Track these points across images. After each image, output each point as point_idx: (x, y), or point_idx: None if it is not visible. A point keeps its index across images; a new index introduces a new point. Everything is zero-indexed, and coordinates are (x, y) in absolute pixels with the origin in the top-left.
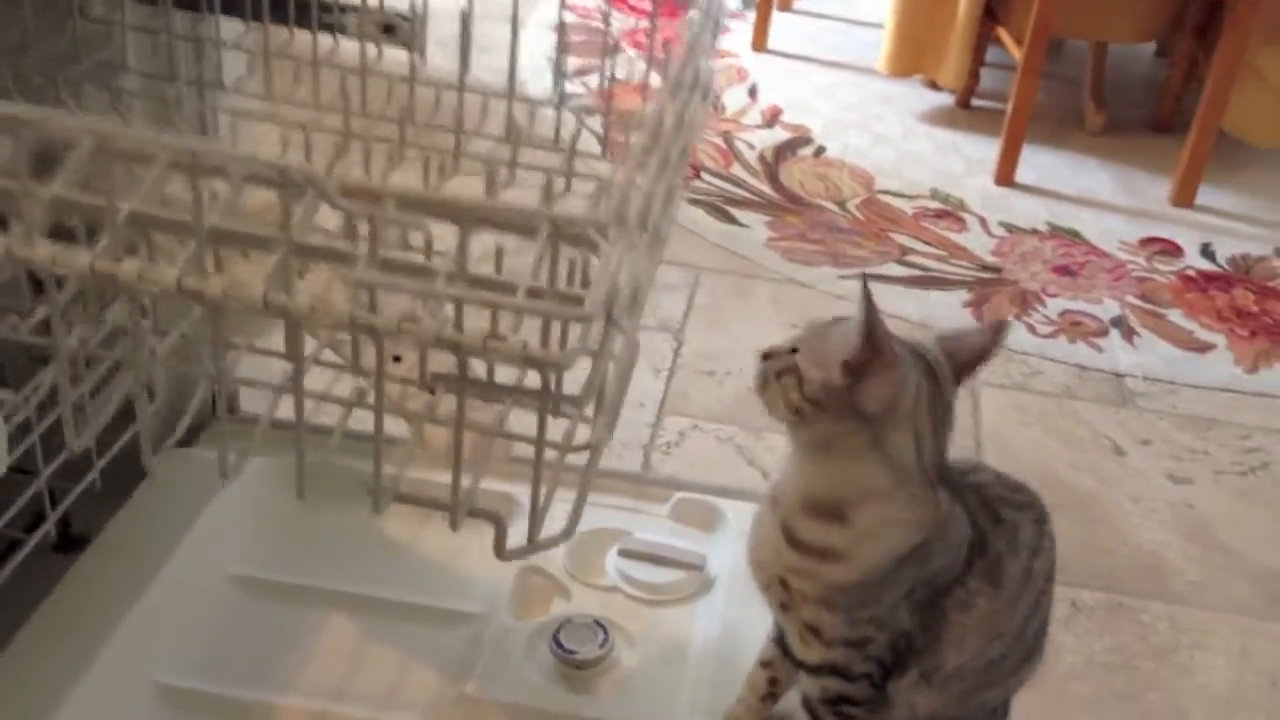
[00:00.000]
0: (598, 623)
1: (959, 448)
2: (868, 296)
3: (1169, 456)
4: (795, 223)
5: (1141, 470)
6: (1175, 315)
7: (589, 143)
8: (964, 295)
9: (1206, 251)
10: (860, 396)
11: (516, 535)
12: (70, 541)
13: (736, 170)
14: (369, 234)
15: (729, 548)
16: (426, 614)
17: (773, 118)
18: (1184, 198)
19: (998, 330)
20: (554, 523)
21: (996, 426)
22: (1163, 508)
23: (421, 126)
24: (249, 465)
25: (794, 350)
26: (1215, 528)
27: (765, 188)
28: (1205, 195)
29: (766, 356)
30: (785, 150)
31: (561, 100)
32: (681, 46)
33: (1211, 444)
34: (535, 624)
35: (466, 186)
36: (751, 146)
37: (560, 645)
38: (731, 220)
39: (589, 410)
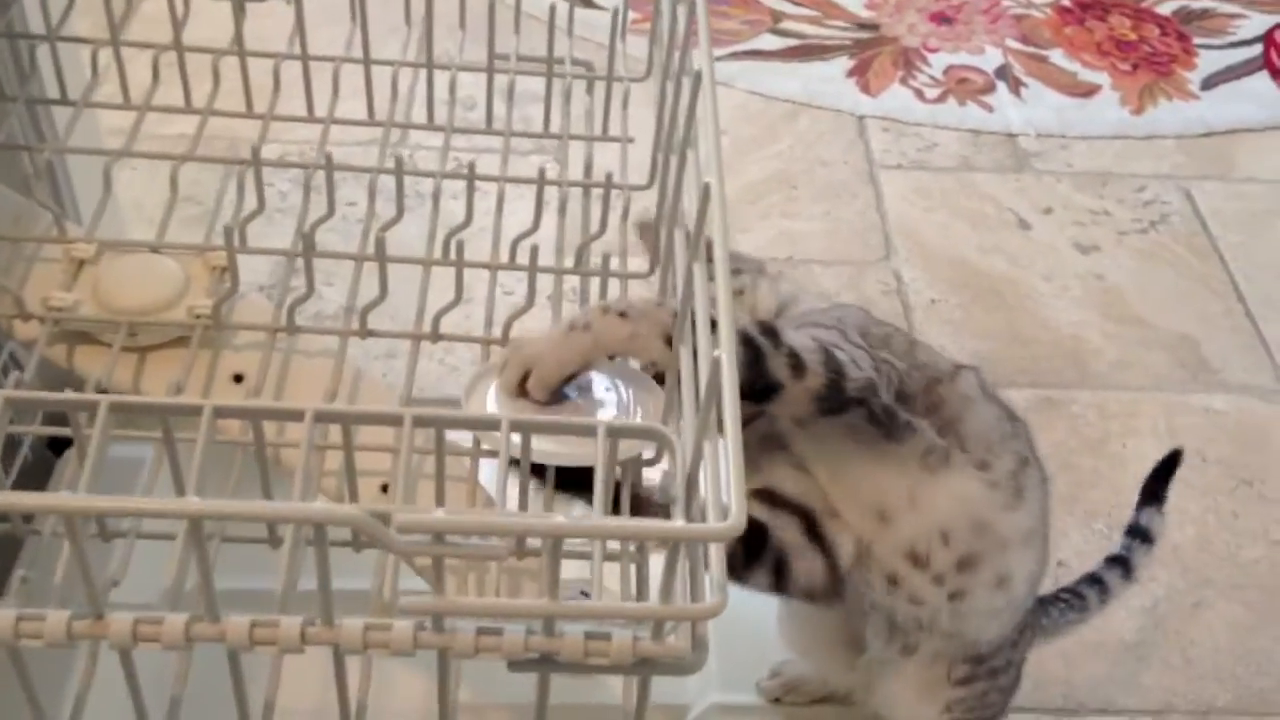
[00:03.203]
0: (583, 593)
1: (867, 246)
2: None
3: (1072, 223)
4: None
5: (1048, 243)
6: (1057, 56)
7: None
8: (846, 63)
9: None
10: None
11: None
12: None
13: None
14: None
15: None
16: None
17: None
18: None
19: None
20: None
21: (902, 216)
22: (1074, 283)
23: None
24: None
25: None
26: (1126, 297)
27: None
28: None
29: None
30: None
31: None
32: None
33: (1110, 201)
34: None
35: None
36: None
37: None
38: (590, 3)
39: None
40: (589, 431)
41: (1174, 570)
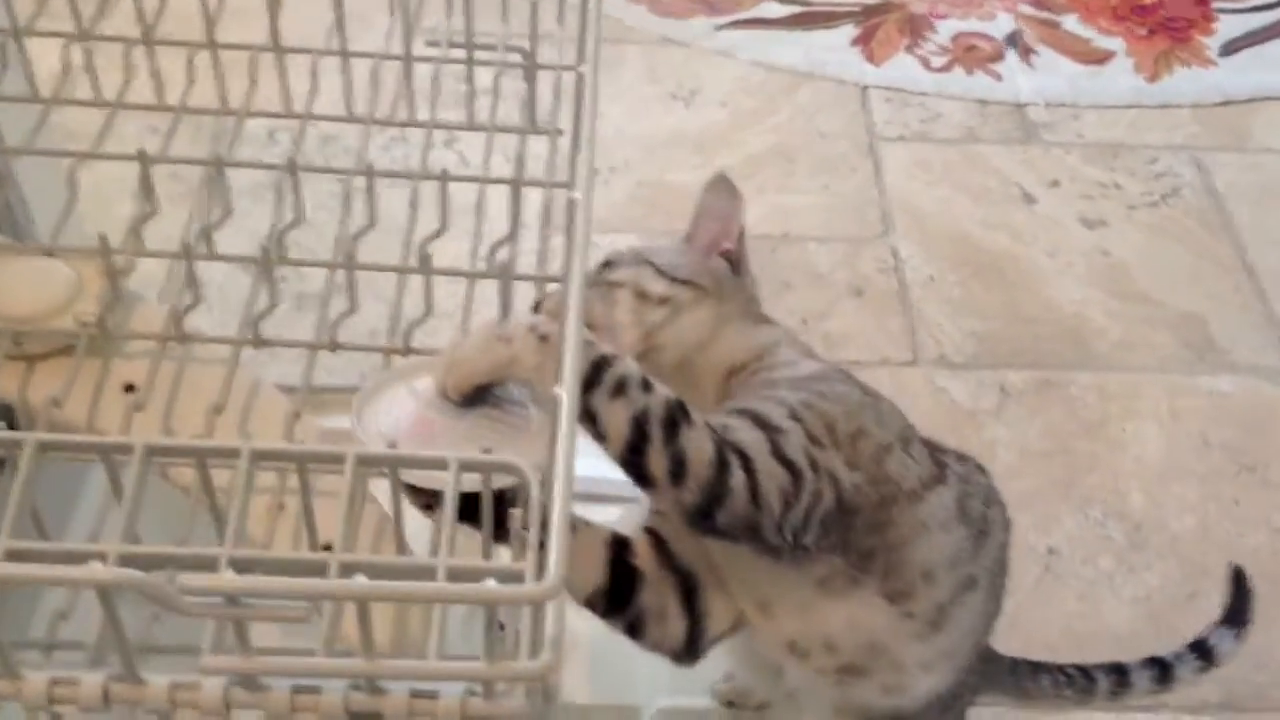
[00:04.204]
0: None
1: (865, 221)
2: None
3: (1079, 196)
4: None
5: (1053, 217)
6: (1071, 22)
7: None
8: (851, 31)
9: None
10: (744, 277)
11: None
12: None
13: None
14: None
15: None
16: None
17: None
18: None
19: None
20: None
21: (901, 190)
22: (1078, 260)
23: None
24: None
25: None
26: (1132, 274)
27: None
28: None
29: (603, 268)
30: None
31: None
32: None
33: (1120, 173)
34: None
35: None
36: None
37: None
38: None
39: None
40: (440, 464)
41: (1170, 561)
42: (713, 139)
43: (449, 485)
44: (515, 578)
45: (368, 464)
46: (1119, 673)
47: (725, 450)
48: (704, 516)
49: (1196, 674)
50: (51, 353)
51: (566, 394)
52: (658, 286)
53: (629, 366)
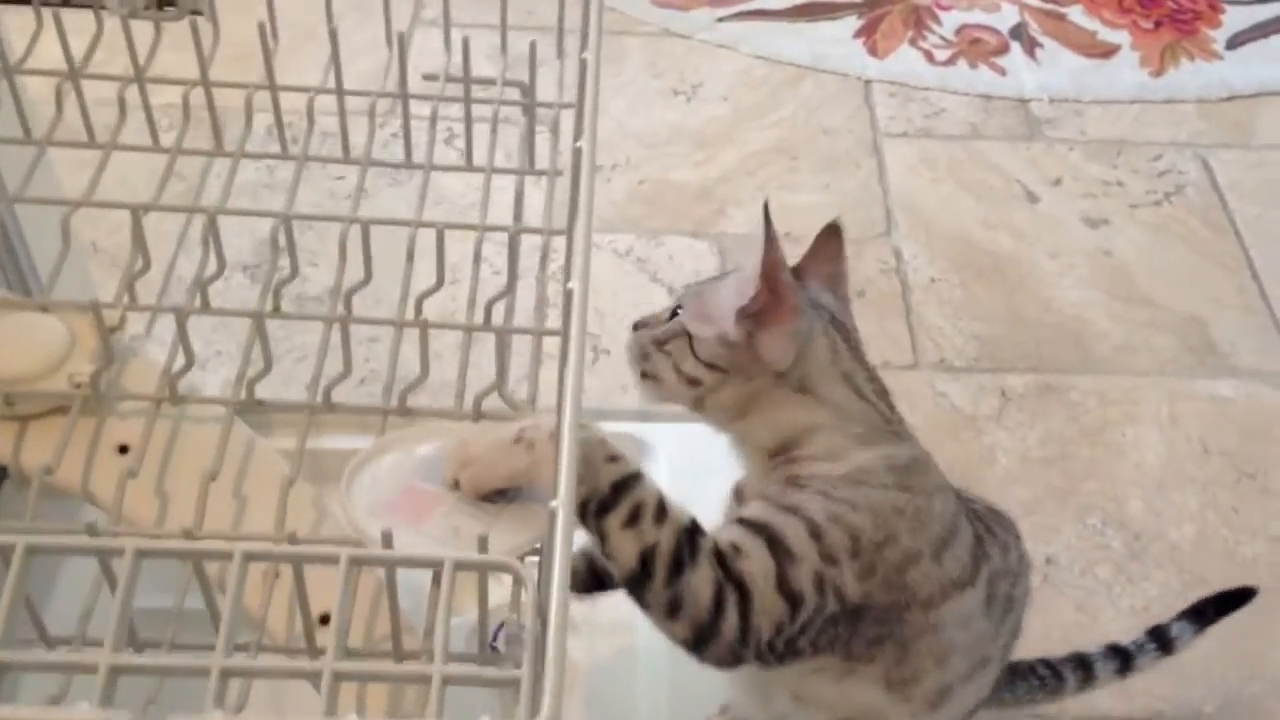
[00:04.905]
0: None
1: (867, 221)
2: (769, 225)
3: (1082, 195)
4: None
5: (1056, 217)
6: (1076, 13)
7: None
8: (855, 23)
9: None
10: (764, 349)
11: None
12: None
13: None
14: None
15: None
16: None
17: None
18: None
19: (834, 234)
20: None
21: (905, 188)
22: (1081, 260)
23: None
24: None
25: (674, 313)
26: (1134, 275)
27: None
28: None
29: (638, 326)
30: None
31: None
32: None
33: (1123, 171)
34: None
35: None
36: None
37: (496, 651)
38: None
39: None
40: (435, 564)
41: (1169, 569)
42: (715, 135)
43: (444, 584)
44: (511, 684)
45: (361, 563)
46: (1084, 667)
47: (725, 591)
48: (691, 649)
49: (1154, 662)
50: (45, 412)
51: (562, 509)
52: (686, 366)
53: (646, 492)
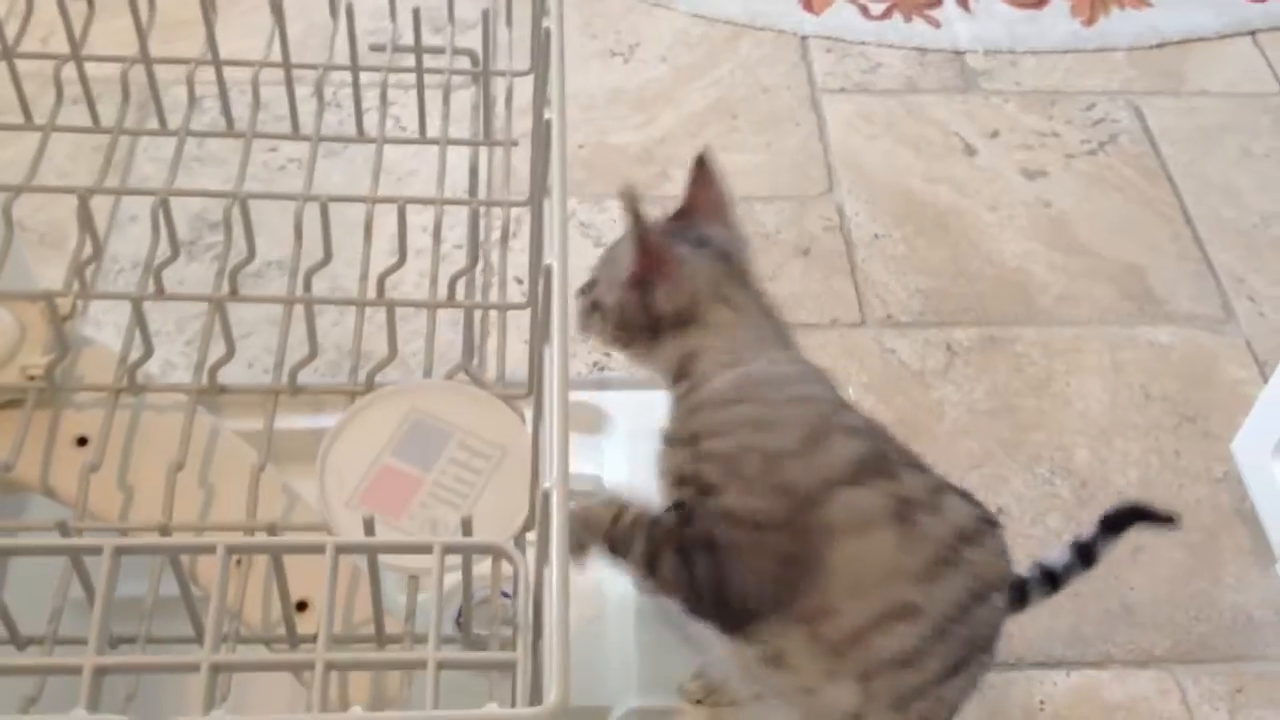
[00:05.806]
0: (504, 594)
1: (809, 179)
2: (634, 211)
3: (1019, 146)
4: None
5: (994, 169)
6: None
7: None
8: None
9: None
10: (657, 304)
11: None
12: None
13: None
14: None
15: (622, 453)
16: None
17: None
18: None
19: (705, 164)
20: None
21: (845, 145)
22: (1020, 212)
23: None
24: None
25: (595, 282)
26: (1073, 226)
27: None
28: None
29: (582, 292)
30: None
31: None
32: None
33: (1058, 121)
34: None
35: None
36: None
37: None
38: None
39: None
40: (423, 549)
41: None
42: (654, 96)
43: (435, 570)
44: (507, 667)
45: (346, 551)
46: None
47: (679, 561)
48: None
49: (1076, 576)
50: None
51: (555, 490)
52: (609, 329)
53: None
